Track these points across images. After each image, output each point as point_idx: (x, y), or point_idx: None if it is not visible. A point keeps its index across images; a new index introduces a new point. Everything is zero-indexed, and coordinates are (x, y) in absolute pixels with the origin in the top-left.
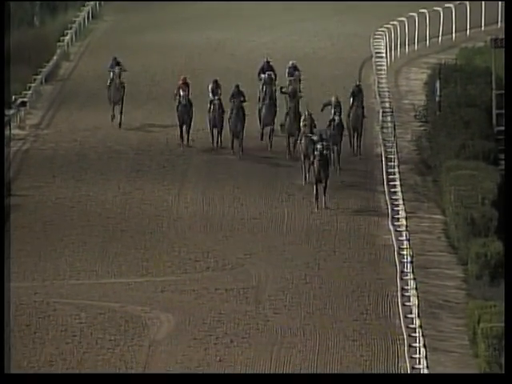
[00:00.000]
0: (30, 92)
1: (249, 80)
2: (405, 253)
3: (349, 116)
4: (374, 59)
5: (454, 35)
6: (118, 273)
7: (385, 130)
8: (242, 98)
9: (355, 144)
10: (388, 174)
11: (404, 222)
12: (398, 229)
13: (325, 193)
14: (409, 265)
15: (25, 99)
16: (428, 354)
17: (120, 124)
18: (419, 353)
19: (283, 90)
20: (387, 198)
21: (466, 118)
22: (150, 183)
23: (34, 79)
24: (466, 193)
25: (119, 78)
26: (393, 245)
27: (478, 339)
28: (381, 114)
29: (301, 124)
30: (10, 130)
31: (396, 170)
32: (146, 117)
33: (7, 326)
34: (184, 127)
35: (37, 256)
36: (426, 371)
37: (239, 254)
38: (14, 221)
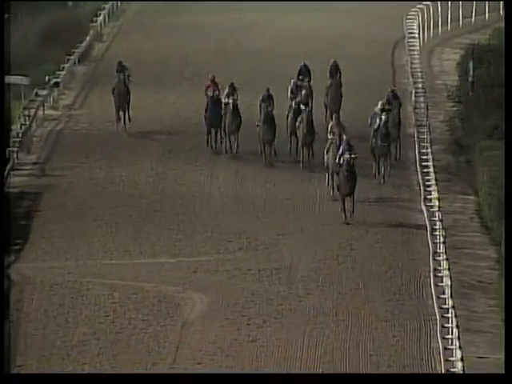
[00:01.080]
0: (63, 72)
1: (280, 60)
2: (437, 233)
3: None
4: (406, 40)
5: (487, 15)
6: (150, 253)
7: (417, 111)
8: (271, 105)
9: (393, 152)
10: (420, 154)
11: (436, 203)
12: (431, 209)
13: (353, 206)
14: (441, 245)
15: (58, 80)
16: (461, 334)
17: (124, 127)
18: (452, 333)
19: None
20: (420, 178)
21: (499, 98)
22: (182, 164)
23: (68, 60)
24: (499, 173)
25: (124, 83)
26: (425, 225)
27: None
28: (413, 94)
29: (328, 134)
30: (43, 110)
31: (429, 150)
32: (179, 97)
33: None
34: (213, 131)
35: (70, 236)
36: (458, 352)
37: (272, 234)
38: (47, 201)
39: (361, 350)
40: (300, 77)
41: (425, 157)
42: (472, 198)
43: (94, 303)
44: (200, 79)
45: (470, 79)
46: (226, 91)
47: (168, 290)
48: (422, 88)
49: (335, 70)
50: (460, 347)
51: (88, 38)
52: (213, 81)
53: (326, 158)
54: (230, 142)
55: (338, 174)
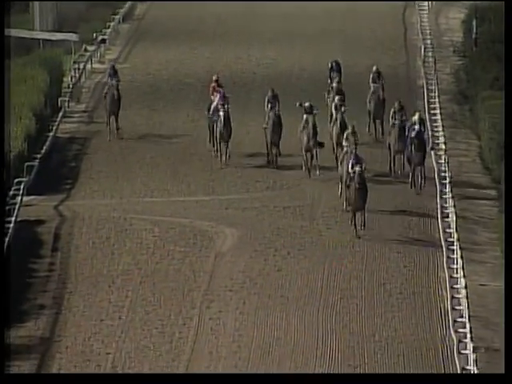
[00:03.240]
0: (109, 30)
1: (301, 20)
2: (444, 174)
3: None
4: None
5: None
6: (187, 192)
7: (426, 64)
8: (277, 106)
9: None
10: (429, 103)
11: (443, 147)
12: (438, 152)
13: (364, 220)
14: (447, 185)
15: (105, 37)
16: (464, 264)
17: (115, 133)
18: (457, 263)
19: (298, 104)
20: (428, 124)
21: (500, 53)
22: None
23: (113, 18)
24: (499, 120)
25: (116, 89)
26: (433, 166)
27: None
28: (423, 49)
29: (343, 142)
30: (91, 64)
31: (436, 99)
32: (212, 52)
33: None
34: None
35: (115, 176)
36: (462, 280)
37: (295, 175)
38: (94, 145)
39: (375, 279)
40: (332, 74)
41: (433, 105)
42: (475, 142)
43: (137, 237)
44: (231, 36)
45: (474, 36)
46: (217, 99)
47: (202, 224)
48: (431, 44)
49: (378, 77)
50: (464, 276)
51: None
52: (216, 81)
53: (339, 168)
54: (220, 150)
55: (348, 187)
